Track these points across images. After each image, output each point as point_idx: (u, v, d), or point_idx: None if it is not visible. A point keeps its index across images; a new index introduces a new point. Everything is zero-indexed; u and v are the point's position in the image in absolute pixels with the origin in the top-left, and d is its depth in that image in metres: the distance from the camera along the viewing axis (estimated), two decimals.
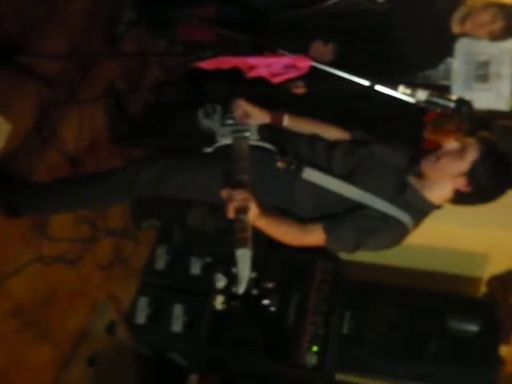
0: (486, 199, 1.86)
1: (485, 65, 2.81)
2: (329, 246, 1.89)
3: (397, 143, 2.01)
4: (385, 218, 1.83)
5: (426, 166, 1.87)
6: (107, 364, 2.79)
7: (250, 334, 2.84)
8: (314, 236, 1.87)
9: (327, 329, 2.85)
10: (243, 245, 1.57)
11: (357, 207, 1.85)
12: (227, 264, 1.56)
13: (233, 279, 1.54)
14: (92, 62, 2.61)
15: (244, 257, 1.55)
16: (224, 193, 1.69)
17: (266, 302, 1.55)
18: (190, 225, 3.16)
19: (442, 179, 1.86)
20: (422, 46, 2.51)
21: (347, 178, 1.89)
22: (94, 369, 2.72)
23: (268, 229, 1.82)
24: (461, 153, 1.78)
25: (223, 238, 3.08)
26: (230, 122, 2.00)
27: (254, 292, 1.54)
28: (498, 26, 2.43)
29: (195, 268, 3.15)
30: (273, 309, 1.56)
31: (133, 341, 3.03)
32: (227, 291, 1.54)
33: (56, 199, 2.17)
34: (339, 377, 2.93)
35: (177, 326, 3.01)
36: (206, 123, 2.00)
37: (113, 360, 2.85)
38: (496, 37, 2.50)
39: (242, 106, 1.99)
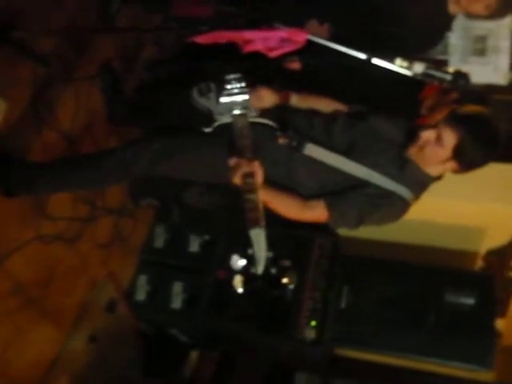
0: (480, 167, 1.85)
1: (482, 39, 2.79)
2: (331, 222, 1.90)
3: (394, 116, 2.01)
4: (386, 194, 1.85)
5: (412, 154, 1.89)
6: (108, 341, 2.82)
7: (249, 310, 2.86)
8: (316, 212, 1.88)
9: (325, 303, 2.87)
10: (256, 224, 1.58)
11: (358, 184, 1.86)
12: (233, 243, 1.58)
13: (250, 260, 1.56)
14: (87, 41, 2.58)
15: (258, 237, 1.57)
16: (232, 160, 1.69)
17: (285, 280, 1.56)
18: (187, 203, 3.17)
19: (432, 165, 1.88)
20: (422, 27, 2.49)
21: (347, 153, 1.89)
22: (95, 345, 2.75)
23: (270, 201, 1.82)
24: (438, 141, 1.78)
25: (221, 216, 3.11)
26: (227, 99, 1.97)
27: (273, 271, 1.55)
28: None
29: (194, 246, 3.16)
30: (291, 286, 1.57)
31: (133, 318, 3.06)
32: (246, 272, 1.55)
33: (53, 180, 2.17)
34: (338, 351, 2.97)
35: (176, 303, 3.04)
36: (202, 102, 1.98)
37: (113, 337, 2.88)
38: (492, 12, 2.48)
39: (259, 92, 1.96)
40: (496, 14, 2.50)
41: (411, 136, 1.88)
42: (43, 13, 2.28)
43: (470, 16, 2.58)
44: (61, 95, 2.43)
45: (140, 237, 3.22)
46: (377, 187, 1.85)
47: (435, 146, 1.79)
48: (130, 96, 2.85)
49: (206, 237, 3.17)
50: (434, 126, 1.80)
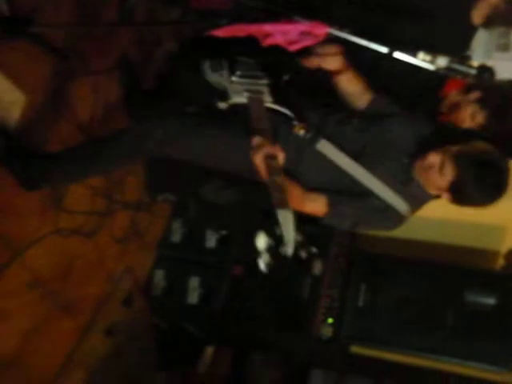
0: (481, 206, 1.81)
1: (506, 33, 2.74)
2: (326, 218, 1.88)
3: (412, 116, 1.96)
4: (387, 209, 1.85)
5: (417, 173, 1.86)
6: (124, 335, 2.83)
7: (266, 306, 2.85)
8: (315, 205, 1.86)
9: (342, 301, 2.85)
10: (283, 206, 1.53)
11: (361, 192, 1.84)
12: (267, 225, 1.53)
13: (278, 240, 1.51)
14: (105, 34, 2.58)
15: (287, 218, 1.51)
16: (256, 139, 1.66)
17: (313, 265, 1.53)
18: (204, 198, 3.16)
19: (431, 189, 1.86)
20: (445, 35, 2.43)
21: (357, 157, 1.86)
22: (112, 339, 2.76)
23: None
24: (441, 169, 1.76)
25: (238, 212, 3.10)
26: (240, 79, 1.89)
27: (303, 254, 1.52)
28: None
29: (210, 241, 3.16)
30: (317, 272, 1.54)
31: (149, 313, 3.07)
32: (273, 251, 1.51)
33: (69, 168, 2.16)
34: (354, 349, 2.94)
35: (192, 298, 3.04)
36: (214, 77, 1.92)
37: (130, 331, 2.89)
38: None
39: (332, 47, 1.82)
40: None
41: (422, 149, 1.84)
42: (61, 7, 2.27)
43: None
44: (79, 89, 2.43)
45: (157, 231, 3.22)
46: (379, 199, 1.84)
47: (437, 173, 1.78)
48: (147, 88, 2.85)
49: (223, 232, 3.16)
50: (443, 151, 1.77)
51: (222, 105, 1.86)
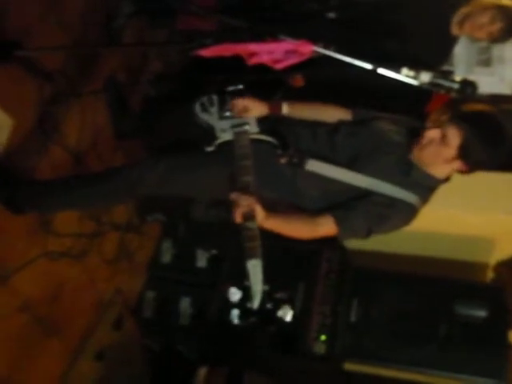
0: (490, 168, 1.82)
1: (487, 49, 2.79)
2: (340, 236, 1.88)
3: (398, 118, 1.99)
4: (393, 202, 1.82)
5: (415, 155, 1.87)
6: (115, 358, 2.79)
7: (259, 326, 2.83)
8: (325, 228, 1.86)
9: (335, 317, 2.84)
10: (254, 255, 1.57)
11: (364, 194, 1.84)
12: (240, 259, 1.55)
13: (247, 293, 1.54)
14: (92, 57, 2.60)
15: (256, 269, 1.55)
16: (232, 195, 1.69)
17: (280, 313, 1.54)
18: (194, 217, 3.16)
19: (437, 165, 1.85)
20: (426, 47, 2.49)
21: (352, 162, 1.88)
22: (102, 363, 2.72)
23: (277, 229, 1.81)
24: (443, 140, 1.75)
25: (228, 230, 3.09)
26: (228, 114, 1.97)
27: (269, 306, 1.54)
28: (497, 27, 2.42)
29: (201, 261, 3.15)
30: (288, 319, 1.55)
31: (140, 335, 3.04)
32: (242, 305, 1.54)
33: (59, 198, 2.17)
34: (348, 365, 2.92)
35: (184, 318, 3.02)
36: (204, 117, 1.98)
37: (121, 354, 2.85)
38: (495, 38, 2.49)
39: (240, 102, 1.96)
40: (498, 40, 2.51)
41: (415, 137, 1.86)
42: (48, 30, 2.29)
43: (473, 40, 2.58)
44: (67, 112, 2.43)
45: (147, 252, 3.21)
46: (382, 196, 1.83)
47: (440, 146, 1.77)
48: (135, 111, 2.87)
49: (214, 251, 3.15)
50: (438, 126, 1.77)
51: (210, 148, 1.92)
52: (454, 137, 1.73)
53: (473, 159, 1.76)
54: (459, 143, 1.73)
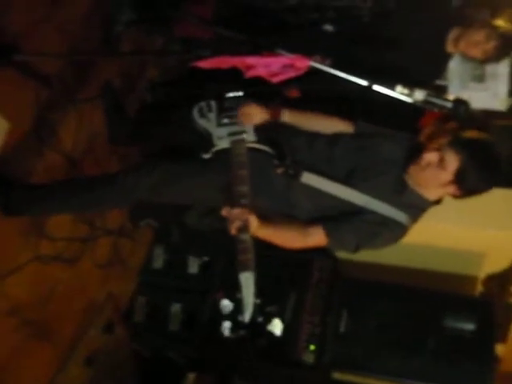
0: (480, 194, 1.84)
1: (481, 65, 2.82)
2: (330, 246, 1.91)
3: (397, 135, 2.01)
4: (385, 220, 1.85)
5: (412, 175, 1.89)
6: (105, 363, 2.79)
7: (248, 334, 2.84)
8: (315, 238, 1.88)
9: (324, 327, 2.85)
10: (246, 268, 1.58)
11: (357, 211, 1.86)
12: (232, 265, 1.56)
13: (238, 305, 1.55)
14: (90, 63, 2.61)
15: (248, 282, 1.56)
16: (224, 211, 1.71)
17: (270, 327, 1.55)
18: (187, 224, 3.16)
19: (432, 188, 1.87)
20: (421, 61, 2.52)
21: (348, 177, 1.90)
22: (92, 368, 2.72)
23: (269, 238, 1.84)
24: (441, 163, 1.78)
25: (220, 238, 3.10)
26: (226, 121, 1.98)
27: (260, 319, 1.55)
28: (492, 45, 2.45)
29: (193, 267, 3.15)
30: (278, 333, 1.56)
31: (131, 340, 3.03)
32: (234, 318, 1.55)
33: (54, 202, 2.18)
34: (336, 375, 2.93)
35: (174, 324, 3.02)
36: (202, 123, 1.98)
37: (111, 359, 2.85)
38: (489, 56, 2.52)
39: (247, 108, 1.98)
40: (492, 58, 2.54)
41: (413, 155, 1.88)
42: (46, 36, 2.30)
43: (467, 57, 2.61)
44: (63, 117, 2.44)
45: (139, 257, 3.21)
46: (375, 214, 1.85)
47: (437, 169, 1.79)
48: (131, 117, 2.88)
49: (205, 258, 3.16)
50: (437, 149, 1.80)
51: (206, 155, 1.92)
52: (452, 161, 1.75)
53: (467, 185, 1.79)
54: (456, 168, 1.76)
